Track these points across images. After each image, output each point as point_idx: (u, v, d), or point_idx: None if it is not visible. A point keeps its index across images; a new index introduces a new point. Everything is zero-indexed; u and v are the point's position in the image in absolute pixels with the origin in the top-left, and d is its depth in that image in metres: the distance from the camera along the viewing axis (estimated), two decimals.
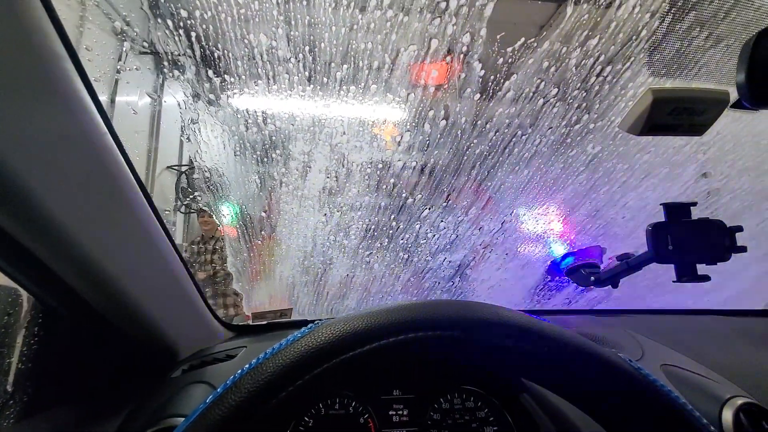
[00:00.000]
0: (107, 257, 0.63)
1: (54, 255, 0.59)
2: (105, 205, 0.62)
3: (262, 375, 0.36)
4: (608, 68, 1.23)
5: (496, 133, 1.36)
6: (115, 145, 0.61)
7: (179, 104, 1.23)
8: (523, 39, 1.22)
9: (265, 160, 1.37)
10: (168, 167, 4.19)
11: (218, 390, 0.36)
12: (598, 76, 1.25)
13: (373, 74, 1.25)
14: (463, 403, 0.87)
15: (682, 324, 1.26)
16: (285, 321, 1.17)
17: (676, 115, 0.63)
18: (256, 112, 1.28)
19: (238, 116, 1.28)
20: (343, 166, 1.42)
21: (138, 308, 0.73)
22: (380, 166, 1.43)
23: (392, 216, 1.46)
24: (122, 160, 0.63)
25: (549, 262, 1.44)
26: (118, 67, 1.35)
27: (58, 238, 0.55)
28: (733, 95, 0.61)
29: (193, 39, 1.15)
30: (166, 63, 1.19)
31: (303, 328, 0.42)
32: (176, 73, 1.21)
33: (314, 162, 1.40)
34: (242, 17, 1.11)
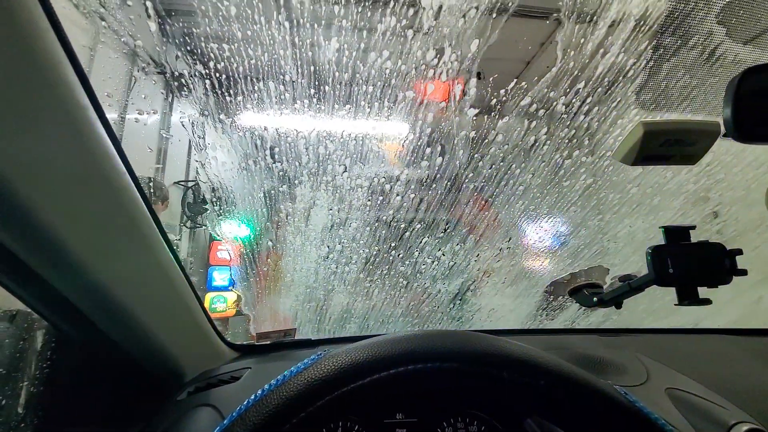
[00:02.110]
0: (116, 282, 0.65)
1: (66, 281, 0.61)
2: (116, 232, 0.64)
3: (267, 408, 0.38)
4: (596, 109, 1.27)
5: (491, 167, 1.40)
6: (130, 179, 0.64)
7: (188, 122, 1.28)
8: (515, 81, 1.27)
9: (272, 192, 1.41)
10: (175, 183, 4.26)
11: (224, 422, 0.38)
12: (586, 114, 1.29)
13: (374, 115, 1.30)
14: (466, 427, 0.86)
15: (689, 344, 1.24)
16: (289, 341, 1.18)
17: (668, 147, 0.65)
18: (265, 145, 1.34)
19: (246, 145, 1.34)
20: (344, 202, 1.46)
21: (146, 331, 0.75)
22: (380, 198, 1.47)
23: (392, 245, 1.49)
24: (134, 187, 0.65)
25: (550, 283, 1.44)
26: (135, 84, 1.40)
27: (71, 265, 0.57)
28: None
29: (205, 72, 1.21)
30: (176, 89, 1.24)
31: (306, 360, 0.43)
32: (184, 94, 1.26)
33: (318, 197, 1.44)
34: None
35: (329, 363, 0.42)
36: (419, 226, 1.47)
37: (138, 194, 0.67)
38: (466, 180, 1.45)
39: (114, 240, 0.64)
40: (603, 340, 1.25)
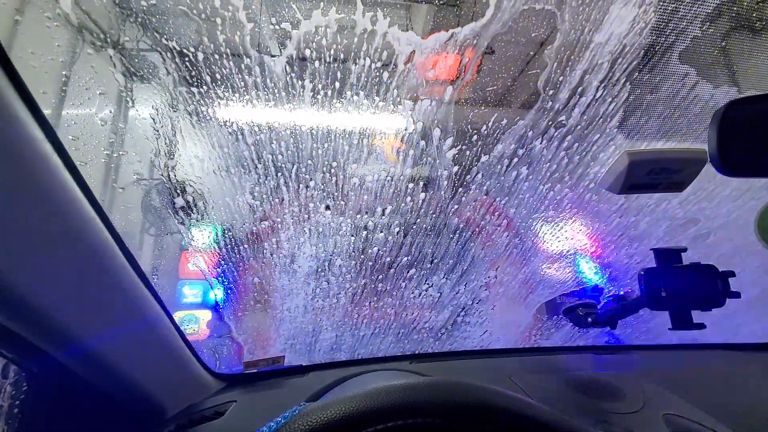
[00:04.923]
0: (81, 317, 0.62)
1: (35, 324, 0.57)
2: (88, 269, 0.62)
3: None
4: (576, 145, 1.27)
5: (474, 203, 1.40)
6: (86, 200, 0.60)
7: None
8: (495, 116, 1.27)
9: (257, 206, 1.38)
10: (135, 181, 3.83)
11: None
12: (567, 150, 1.29)
13: (354, 151, 1.29)
14: None
15: (688, 361, 1.23)
16: (276, 369, 1.15)
17: (654, 175, 0.64)
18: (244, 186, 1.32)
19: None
20: (329, 237, 1.44)
21: (120, 368, 0.72)
22: (365, 234, 1.46)
23: (380, 276, 1.47)
24: (89, 204, 0.61)
25: (544, 302, 1.42)
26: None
27: (41, 309, 0.55)
28: None
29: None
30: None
31: (278, 418, 0.41)
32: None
33: (305, 230, 1.42)
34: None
35: (303, 421, 0.40)
36: (405, 260, 1.45)
37: (94, 211, 0.62)
38: (449, 217, 1.45)
39: (85, 276, 0.61)
40: (599, 360, 1.23)
